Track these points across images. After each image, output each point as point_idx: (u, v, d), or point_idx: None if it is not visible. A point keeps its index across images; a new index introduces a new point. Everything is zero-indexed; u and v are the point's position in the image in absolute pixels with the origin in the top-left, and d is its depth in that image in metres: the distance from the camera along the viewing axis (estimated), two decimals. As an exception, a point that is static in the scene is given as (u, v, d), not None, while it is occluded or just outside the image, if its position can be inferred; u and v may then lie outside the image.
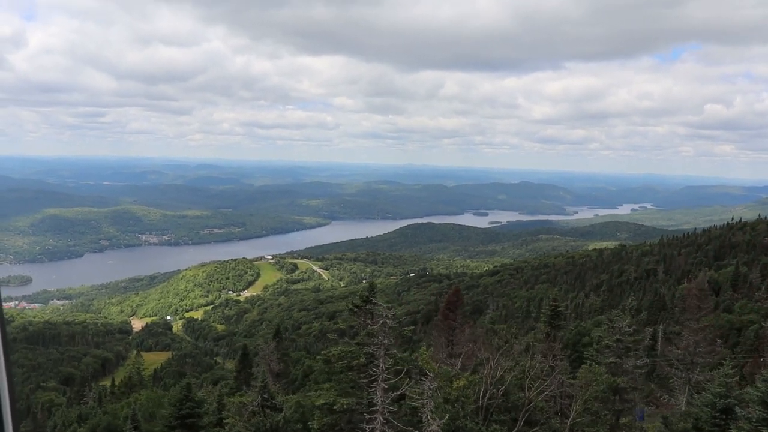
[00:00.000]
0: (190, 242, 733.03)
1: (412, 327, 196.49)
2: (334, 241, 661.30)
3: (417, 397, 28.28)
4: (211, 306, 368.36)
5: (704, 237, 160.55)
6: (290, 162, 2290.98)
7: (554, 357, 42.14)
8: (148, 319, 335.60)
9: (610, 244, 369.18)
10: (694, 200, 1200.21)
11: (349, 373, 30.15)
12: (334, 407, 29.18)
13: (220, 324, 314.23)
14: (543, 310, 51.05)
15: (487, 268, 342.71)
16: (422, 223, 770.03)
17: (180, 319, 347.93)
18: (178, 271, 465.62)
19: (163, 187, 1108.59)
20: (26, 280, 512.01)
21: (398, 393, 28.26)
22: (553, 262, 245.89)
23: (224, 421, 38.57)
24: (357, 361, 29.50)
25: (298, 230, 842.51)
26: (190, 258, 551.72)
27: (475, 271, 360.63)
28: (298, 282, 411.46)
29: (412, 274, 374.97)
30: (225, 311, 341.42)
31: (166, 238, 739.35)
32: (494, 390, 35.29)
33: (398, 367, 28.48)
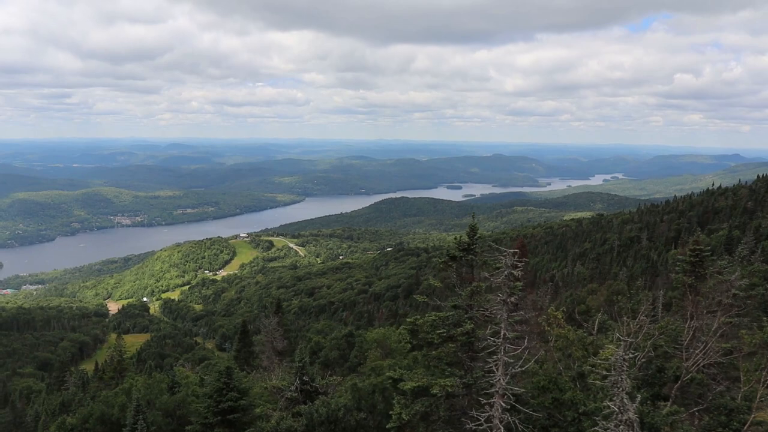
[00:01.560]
0: (163, 223, 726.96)
1: (395, 301, 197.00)
2: (309, 218, 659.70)
3: (602, 371, 21.98)
4: (188, 286, 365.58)
5: (686, 203, 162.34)
6: (262, 139, 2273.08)
7: (700, 315, 31.96)
8: (124, 302, 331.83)
9: (586, 214, 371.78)
10: (664, 170, 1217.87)
11: (451, 345, 24.10)
12: (432, 391, 23.01)
13: (198, 304, 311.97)
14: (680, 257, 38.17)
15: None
16: (396, 198, 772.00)
17: (157, 300, 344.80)
18: (153, 252, 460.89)
19: (134, 168, 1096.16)
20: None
21: (522, 367, 22.99)
22: (531, 232, 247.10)
23: (240, 407, 31.05)
24: (461, 329, 23.56)
25: (271, 208, 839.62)
26: (164, 239, 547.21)
27: (450, 244, 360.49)
28: (275, 260, 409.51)
29: (389, 249, 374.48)
30: (202, 291, 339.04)
31: (138, 219, 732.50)
32: (644, 360, 28.58)
33: (517, 334, 22.61)
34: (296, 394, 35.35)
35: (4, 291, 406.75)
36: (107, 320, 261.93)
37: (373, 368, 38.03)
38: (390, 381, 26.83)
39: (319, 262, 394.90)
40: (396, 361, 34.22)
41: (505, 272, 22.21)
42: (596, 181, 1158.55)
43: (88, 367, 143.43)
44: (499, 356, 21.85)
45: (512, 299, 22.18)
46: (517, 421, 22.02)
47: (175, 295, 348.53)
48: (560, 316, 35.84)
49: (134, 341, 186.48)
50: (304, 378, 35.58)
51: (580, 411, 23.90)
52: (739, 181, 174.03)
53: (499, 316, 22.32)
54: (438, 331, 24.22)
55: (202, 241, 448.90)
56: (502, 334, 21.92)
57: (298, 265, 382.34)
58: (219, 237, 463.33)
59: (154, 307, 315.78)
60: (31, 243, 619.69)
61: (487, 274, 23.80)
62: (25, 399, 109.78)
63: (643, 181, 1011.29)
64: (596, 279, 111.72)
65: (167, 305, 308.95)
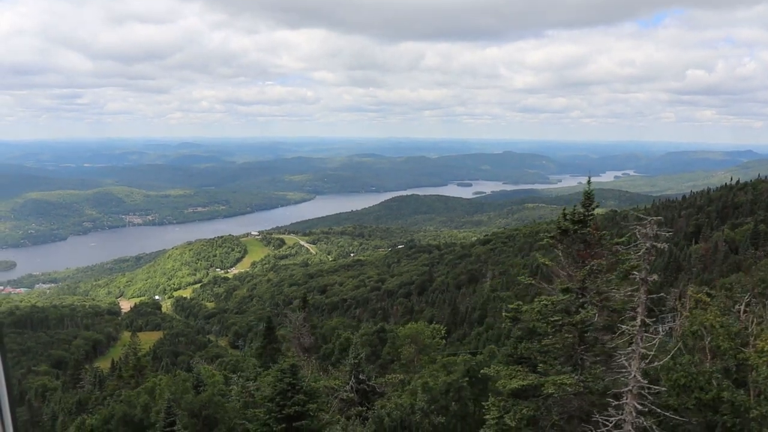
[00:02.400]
0: (174, 221, 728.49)
1: (409, 297, 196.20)
2: (320, 216, 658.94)
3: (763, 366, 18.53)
4: (200, 284, 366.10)
5: (704, 199, 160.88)
6: (272, 138, 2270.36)
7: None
8: (136, 300, 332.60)
9: (599, 211, 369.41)
10: (676, 166, 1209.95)
11: (566, 336, 20.86)
12: (545, 391, 19.37)
13: (210, 302, 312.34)
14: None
15: (476, 238, 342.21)
16: (407, 196, 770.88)
17: (169, 298, 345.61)
18: (164, 251, 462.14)
19: (145, 168, 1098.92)
20: (10, 266, 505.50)
21: (656, 363, 18.95)
22: (545, 228, 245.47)
23: (308, 412, 26.88)
24: (579, 316, 20.16)
25: (282, 206, 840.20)
26: (175, 237, 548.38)
27: (463, 241, 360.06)
28: (286, 257, 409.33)
29: (400, 246, 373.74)
30: (214, 289, 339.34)
31: (150, 218, 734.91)
32: None
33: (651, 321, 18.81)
34: (352, 394, 32.11)
35: (18, 290, 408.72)
36: (120, 318, 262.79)
37: (444, 365, 35.22)
38: (467, 380, 23.77)
39: (330, 259, 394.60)
40: (475, 358, 31.44)
41: (647, 245, 18.81)
42: (607, 177, 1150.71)
43: (102, 364, 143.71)
44: (635, 347, 18.05)
45: (654, 277, 18.68)
46: (654, 427, 17.96)
47: (186, 293, 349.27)
48: (706, 299, 31.56)
49: (147, 339, 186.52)
50: (360, 377, 32.35)
51: (750, 416, 19.26)
52: (759, 175, 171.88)
53: (637, 298, 18.58)
54: (552, 319, 20.98)
55: (213, 239, 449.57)
56: (639, 320, 18.14)
57: (309, 262, 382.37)
58: (230, 235, 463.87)
59: (166, 305, 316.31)
60: (44, 242, 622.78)
61: (621, 247, 20.29)
62: (41, 397, 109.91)
63: (654, 178, 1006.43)
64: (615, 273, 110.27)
65: (179, 303, 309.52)
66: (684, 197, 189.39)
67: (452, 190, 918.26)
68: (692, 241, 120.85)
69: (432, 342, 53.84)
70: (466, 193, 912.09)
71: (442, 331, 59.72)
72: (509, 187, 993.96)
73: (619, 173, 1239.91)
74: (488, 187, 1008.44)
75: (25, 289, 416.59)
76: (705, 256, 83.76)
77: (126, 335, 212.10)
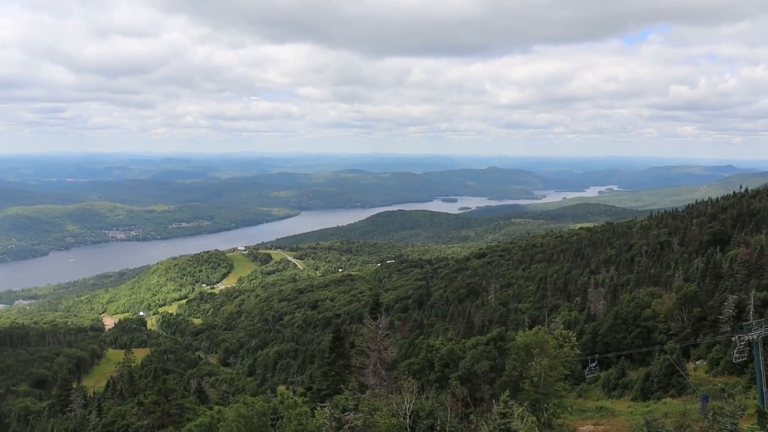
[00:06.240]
0: (158, 237, 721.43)
1: (407, 312, 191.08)
2: (305, 231, 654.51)
3: None
4: (186, 300, 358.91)
5: (716, 207, 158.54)
6: (256, 153, 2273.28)
7: None
8: (120, 316, 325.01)
9: (588, 224, 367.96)
10: (659, 181, 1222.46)
11: None
12: None
13: (197, 318, 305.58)
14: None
15: (466, 253, 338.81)
16: (393, 211, 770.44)
17: (154, 314, 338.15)
18: (148, 266, 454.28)
19: (129, 183, 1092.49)
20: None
21: None
22: (541, 241, 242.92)
23: None
24: None
25: (267, 222, 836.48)
26: (159, 252, 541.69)
27: (453, 255, 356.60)
28: (273, 273, 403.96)
29: (390, 261, 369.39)
30: (200, 305, 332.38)
31: (133, 233, 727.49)
32: None
33: None
34: None
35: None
36: (104, 335, 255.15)
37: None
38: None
39: (318, 275, 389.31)
40: None
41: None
42: (591, 192, 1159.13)
43: (88, 383, 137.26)
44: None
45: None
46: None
47: (172, 309, 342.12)
48: None
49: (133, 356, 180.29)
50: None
51: None
52: (741, 187, 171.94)
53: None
54: None
55: (199, 254, 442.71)
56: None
57: (297, 278, 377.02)
58: (216, 250, 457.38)
59: (152, 322, 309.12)
60: (25, 258, 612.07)
61: None
62: (23, 422, 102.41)
63: (638, 193, 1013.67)
64: (644, 283, 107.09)
65: (165, 319, 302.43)
66: (689, 206, 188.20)
67: (438, 206, 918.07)
68: (717, 249, 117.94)
69: (560, 352, 44.36)
70: (452, 208, 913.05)
71: (573, 339, 49.98)
72: (494, 203, 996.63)
73: (603, 188, 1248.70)
74: (473, 203, 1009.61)
75: (5, 305, 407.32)
76: (749, 261, 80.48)
77: (111, 352, 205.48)
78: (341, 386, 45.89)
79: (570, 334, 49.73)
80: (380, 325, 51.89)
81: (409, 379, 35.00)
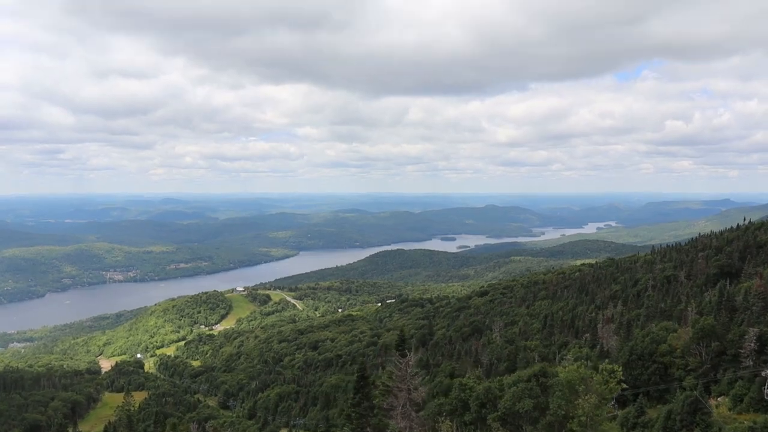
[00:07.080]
0: (156, 278, 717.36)
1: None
2: (304, 272, 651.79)
3: None
4: (184, 342, 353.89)
5: (721, 240, 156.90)
6: (255, 194, 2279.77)
7: None
8: (117, 358, 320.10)
9: (589, 261, 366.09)
10: (656, 216, 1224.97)
11: None
12: None
13: (195, 360, 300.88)
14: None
15: (466, 292, 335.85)
16: (392, 250, 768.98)
17: (151, 356, 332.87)
18: (146, 308, 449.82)
19: (127, 224, 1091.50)
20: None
21: None
22: (543, 278, 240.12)
23: None
24: None
25: (266, 262, 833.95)
26: (157, 294, 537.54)
27: (454, 294, 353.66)
28: (273, 314, 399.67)
29: (390, 300, 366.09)
30: (199, 346, 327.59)
31: (131, 274, 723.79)
32: None
33: None
34: None
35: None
36: (100, 377, 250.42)
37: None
38: None
39: (318, 315, 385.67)
40: None
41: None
42: (590, 229, 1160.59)
43: (84, 428, 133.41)
44: None
45: None
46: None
47: (170, 351, 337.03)
48: None
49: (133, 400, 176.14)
50: None
51: None
52: (747, 219, 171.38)
53: None
54: None
55: (197, 294, 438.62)
56: None
57: (297, 318, 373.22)
58: (215, 291, 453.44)
59: (149, 364, 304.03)
60: (21, 299, 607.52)
61: None
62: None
63: (636, 228, 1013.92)
64: (655, 317, 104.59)
65: (163, 362, 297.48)
66: (692, 240, 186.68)
67: (436, 245, 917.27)
68: (727, 281, 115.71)
69: (604, 389, 41.87)
70: (451, 247, 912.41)
71: (619, 374, 46.88)
72: (493, 241, 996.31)
73: (601, 224, 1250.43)
74: (472, 241, 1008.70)
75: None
76: (764, 293, 78.39)
77: (107, 396, 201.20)
78: (368, 429, 42.86)
79: (616, 368, 46.60)
80: (409, 362, 48.01)
81: (447, 421, 32.35)
